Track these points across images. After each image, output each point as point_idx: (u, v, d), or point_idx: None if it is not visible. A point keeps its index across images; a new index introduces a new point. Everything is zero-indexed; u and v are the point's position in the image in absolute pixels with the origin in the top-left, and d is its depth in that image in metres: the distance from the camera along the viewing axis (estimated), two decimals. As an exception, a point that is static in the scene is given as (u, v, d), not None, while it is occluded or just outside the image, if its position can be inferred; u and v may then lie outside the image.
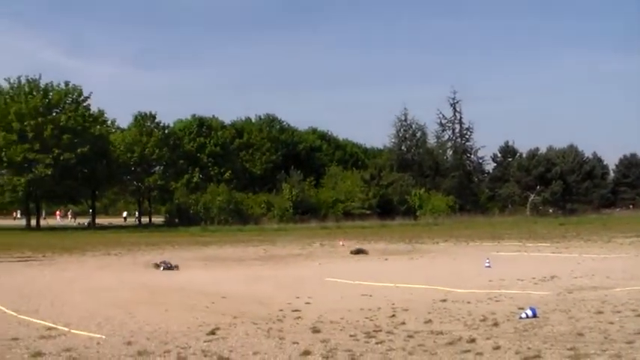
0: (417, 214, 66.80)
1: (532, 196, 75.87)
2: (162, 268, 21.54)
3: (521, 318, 11.25)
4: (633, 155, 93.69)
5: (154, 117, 67.97)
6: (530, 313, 11.39)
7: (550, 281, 16.64)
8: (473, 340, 9.60)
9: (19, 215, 76.06)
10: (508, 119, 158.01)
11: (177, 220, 62.47)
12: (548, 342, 9.44)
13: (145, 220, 71.28)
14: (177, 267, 21.77)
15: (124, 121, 74.89)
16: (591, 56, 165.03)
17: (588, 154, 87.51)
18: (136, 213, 74.29)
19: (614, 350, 8.83)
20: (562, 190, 77.54)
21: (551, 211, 74.55)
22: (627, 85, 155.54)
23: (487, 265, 20.29)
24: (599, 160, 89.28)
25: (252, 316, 12.12)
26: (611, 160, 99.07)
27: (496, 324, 10.90)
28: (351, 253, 27.11)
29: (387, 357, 8.77)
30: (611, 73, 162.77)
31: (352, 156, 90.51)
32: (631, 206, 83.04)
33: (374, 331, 10.50)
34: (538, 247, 28.67)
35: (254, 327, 11.03)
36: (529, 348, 9.06)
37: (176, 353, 9.11)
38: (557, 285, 15.80)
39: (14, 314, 12.34)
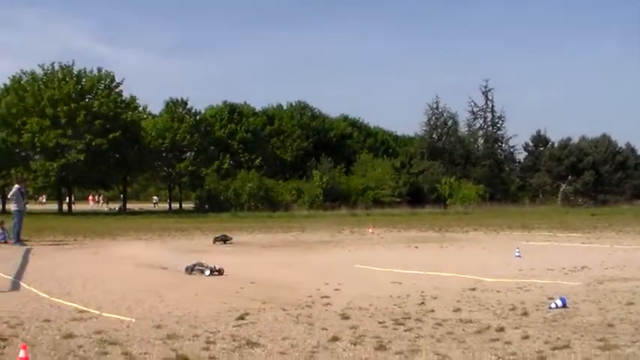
0: (447, 202, 66.60)
1: (563, 186, 75.29)
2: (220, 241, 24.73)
3: (550, 308, 11.20)
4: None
5: (185, 103, 68.56)
6: (559, 303, 11.33)
7: (580, 272, 16.51)
8: (502, 329, 9.59)
9: (44, 200, 77.06)
10: (541, 108, 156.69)
11: (207, 206, 62.85)
12: (577, 332, 9.40)
13: (175, 205, 71.87)
14: (231, 239, 24.89)
15: (156, 107, 75.57)
16: (624, 44, 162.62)
17: (622, 144, 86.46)
18: (167, 199, 74.92)
19: (645, 341, 8.78)
20: (594, 180, 76.82)
21: (582, 201, 73.83)
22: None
23: (517, 254, 20.16)
24: (633, 151, 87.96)
25: (281, 301, 12.16)
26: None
27: (525, 313, 10.86)
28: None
29: (415, 344, 8.77)
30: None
31: (383, 143, 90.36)
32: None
33: (402, 318, 10.51)
34: (569, 238, 28.44)
35: (283, 312, 11.09)
36: (558, 338, 9.02)
37: (205, 337, 9.18)
38: (588, 275, 15.67)
39: (47, 297, 12.49)
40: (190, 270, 16.02)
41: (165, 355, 8.27)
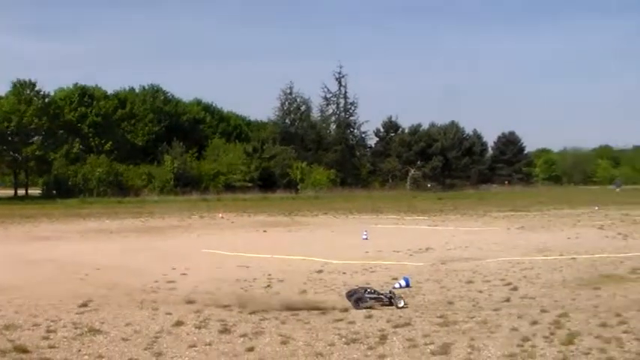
0: (299, 187, 67.08)
1: (412, 171, 77.57)
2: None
3: (394, 288, 11.32)
4: (511, 133, 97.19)
5: (33, 85, 64.99)
6: (403, 283, 11.54)
7: (425, 253, 16.94)
8: (346, 310, 9.59)
9: None
10: (393, 95, 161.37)
11: (55, 192, 60.23)
12: (419, 310, 9.57)
13: (21, 192, 68.40)
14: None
15: (2, 89, 71.43)
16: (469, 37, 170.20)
17: (469, 130, 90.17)
18: (12, 185, 71.14)
19: (481, 317, 9.03)
20: (442, 165, 79.72)
21: (430, 185, 76.36)
22: (508, 64, 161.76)
23: (364, 237, 20.47)
24: (479, 137, 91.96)
25: (126, 287, 11.78)
26: (490, 138, 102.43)
27: (373, 295, 10.94)
28: None
29: (259, 326, 8.64)
30: (493, 51, 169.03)
31: (236, 128, 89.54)
32: (507, 182, 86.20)
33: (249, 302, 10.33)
34: (416, 221, 29.27)
35: (127, 298, 10.74)
36: (400, 316, 9.13)
37: (45, 326, 8.71)
38: (432, 256, 16.10)
39: None
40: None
41: (2, 346, 7.71)
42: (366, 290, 10.19)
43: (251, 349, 7.60)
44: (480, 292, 11.07)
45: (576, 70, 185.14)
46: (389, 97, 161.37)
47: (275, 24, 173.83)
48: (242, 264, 14.86)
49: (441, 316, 9.06)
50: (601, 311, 9.38)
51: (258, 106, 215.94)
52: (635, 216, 29.41)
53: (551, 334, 8.10)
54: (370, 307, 9.64)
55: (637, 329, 8.25)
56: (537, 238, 20.32)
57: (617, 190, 69.53)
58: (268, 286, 11.91)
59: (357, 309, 9.61)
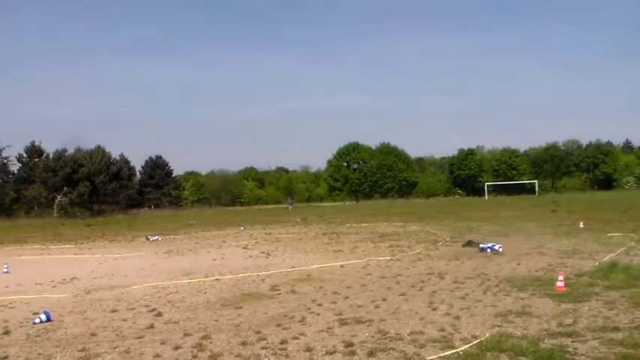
0: None
1: (59, 198, 74.70)
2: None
3: (34, 323, 10.81)
4: (159, 157, 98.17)
5: None
6: (44, 317, 11.03)
7: (70, 283, 16.36)
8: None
9: None
10: (36, 119, 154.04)
11: None
12: (60, 345, 9.23)
13: None
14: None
15: None
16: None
17: (116, 155, 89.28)
18: None
19: (125, 347, 8.97)
20: (89, 191, 77.88)
21: (78, 212, 74.18)
22: (155, 89, 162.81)
23: (5, 270, 19.19)
24: (126, 162, 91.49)
25: None
26: (138, 162, 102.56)
27: (7, 332, 10.31)
28: None
29: None
30: (144, 76, 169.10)
31: None
32: (152, 206, 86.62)
33: None
34: (62, 250, 28.15)
35: None
36: (40, 354, 8.73)
37: None
38: (77, 286, 15.61)
39: None
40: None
41: None
42: None
43: None
44: (125, 320, 10.98)
45: (222, 95, 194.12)
46: (32, 121, 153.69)
47: None
48: None
49: (82, 350, 8.83)
50: (242, 330, 9.84)
51: None
52: (277, 234, 31.42)
53: (194, 357, 8.32)
54: None
55: (275, 344, 8.81)
56: (184, 261, 20.71)
57: (289, 207, 73.94)
58: None
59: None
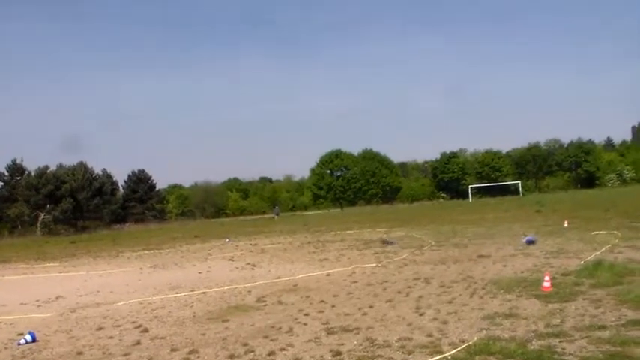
0: None
1: (42, 215, 74.23)
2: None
3: (19, 344, 10.72)
4: (141, 171, 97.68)
5: None
6: (29, 337, 10.93)
7: (55, 302, 16.24)
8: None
9: None
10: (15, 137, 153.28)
11: None
12: (46, 366, 9.15)
13: None
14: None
15: None
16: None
17: (98, 170, 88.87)
18: None
19: (111, 365, 8.91)
20: (73, 207, 77.44)
21: (62, 229, 73.74)
22: (140, 104, 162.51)
23: (-12, 292, 19.06)
24: (109, 177, 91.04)
25: None
26: (121, 177, 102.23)
27: (-8, 354, 10.21)
28: None
29: None
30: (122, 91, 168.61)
31: None
32: (133, 222, 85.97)
33: None
34: (46, 268, 27.91)
35: None
36: (26, 375, 8.65)
37: None
38: (62, 305, 15.49)
39: None
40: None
41: None
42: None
43: None
44: (111, 337, 10.90)
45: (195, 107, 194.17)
46: (10, 140, 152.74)
47: None
48: None
49: (69, 369, 8.77)
50: (229, 342, 9.80)
51: None
52: (263, 245, 31.37)
53: (181, 372, 8.29)
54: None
55: (262, 356, 8.79)
56: (169, 276, 20.62)
57: (275, 217, 73.90)
58: None
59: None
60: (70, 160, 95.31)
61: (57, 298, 16.95)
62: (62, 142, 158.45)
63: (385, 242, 26.17)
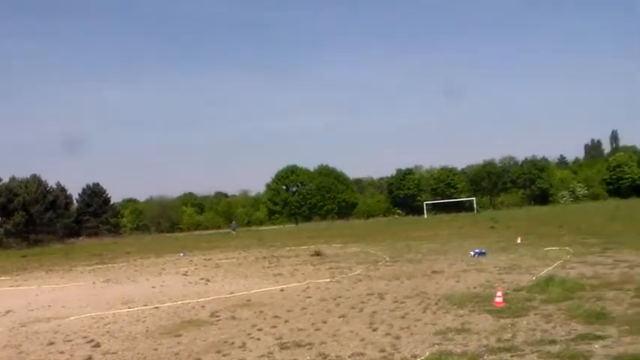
0: None
1: (-6, 228, 73.00)
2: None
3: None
4: (96, 184, 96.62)
5: None
6: (-25, 353, 10.81)
7: (4, 316, 16.00)
8: None
9: None
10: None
11: None
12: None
13: None
14: None
15: None
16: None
17: (52, 184, 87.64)
18: None
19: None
20: (25, 220, 76.25)
21: (14, 242, 72.52)
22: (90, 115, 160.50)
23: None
24: (63, 190, 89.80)
25: None
26: (75, 190, 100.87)
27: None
28: None
29: None
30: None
31: None
32: (82, 237, 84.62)
33: None
34: (-4, 282, 27.48)
35: None
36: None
37: None
38: (12, 320, 15.26)
39: None
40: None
41: None
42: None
43: None
44: (62, 353, 10.79)
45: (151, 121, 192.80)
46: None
47: None
48: None
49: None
50: (182, 358, 9.80)
51: None
52: (217, 260, 31.23)
53: (132, 387, 8.26)
54: None
55: (213, 370, 8.81)
56: (122, 290, 20.42)
57: (233, 232, 73.44)
58: None
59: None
60: (24, 173, 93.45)
61: (7, 312, 16.70)
62: (15, 155, 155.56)
63: (319, 255, 27.41)
